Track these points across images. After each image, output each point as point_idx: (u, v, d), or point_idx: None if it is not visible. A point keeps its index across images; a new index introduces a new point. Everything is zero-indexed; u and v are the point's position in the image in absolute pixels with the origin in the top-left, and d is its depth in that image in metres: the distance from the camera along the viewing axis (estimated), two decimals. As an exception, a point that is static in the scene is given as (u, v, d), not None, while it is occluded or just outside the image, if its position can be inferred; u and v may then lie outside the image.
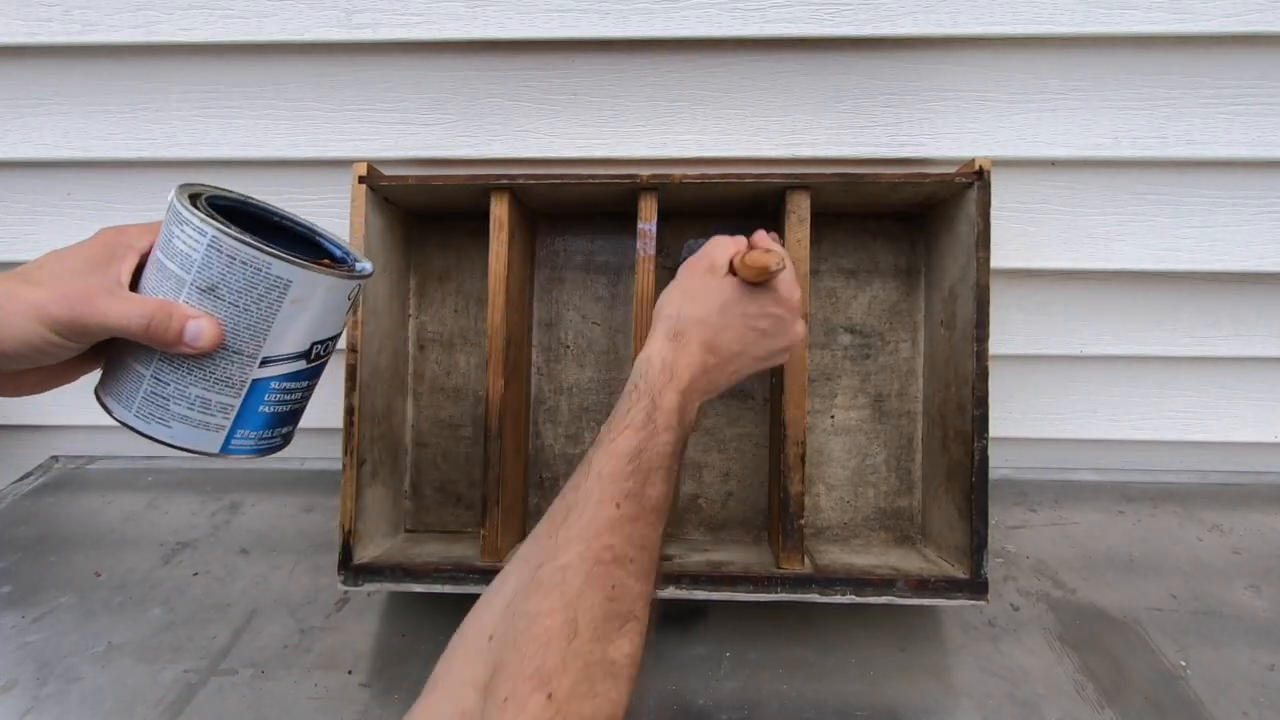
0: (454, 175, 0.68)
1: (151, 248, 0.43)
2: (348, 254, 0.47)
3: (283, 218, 0.46)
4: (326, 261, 0.44)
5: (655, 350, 0.50)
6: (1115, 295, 0.82)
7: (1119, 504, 0.85)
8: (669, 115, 0.76)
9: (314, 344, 0.43)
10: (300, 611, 0.69)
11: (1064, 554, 0.76)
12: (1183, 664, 0.62)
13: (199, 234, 0.39)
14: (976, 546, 0.62)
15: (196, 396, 0.42)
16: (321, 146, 0.78)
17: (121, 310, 0.40)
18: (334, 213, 0.82)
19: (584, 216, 0.77)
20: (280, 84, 0.77)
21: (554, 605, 0.38)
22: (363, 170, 0.67)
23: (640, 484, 0.44)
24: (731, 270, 0.54)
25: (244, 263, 0.39)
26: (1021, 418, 0.87)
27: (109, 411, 0.43)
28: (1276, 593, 0.71)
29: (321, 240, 0.47)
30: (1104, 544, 0.78)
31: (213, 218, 0.40)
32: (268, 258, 0.39)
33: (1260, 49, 0.72)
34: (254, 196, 0.45)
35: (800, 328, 0.56)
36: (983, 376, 0.62)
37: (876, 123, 0.76)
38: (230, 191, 0.44)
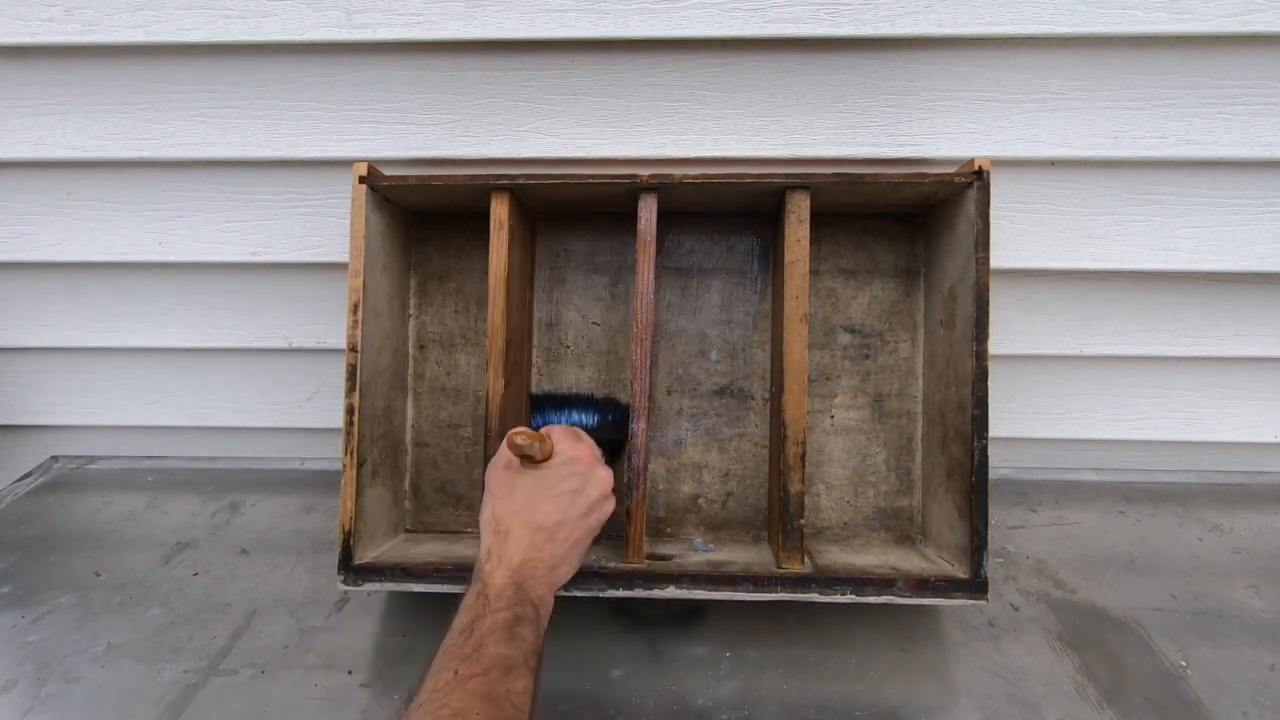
0: (454, 175, 0.69)
1: None
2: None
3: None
4: None
5: (484, 548, 0.56)
6: (1115, 295, 0.82)
7: (1119, 504, 0.85)
8: (669, 115, 0.76)
9: None
10: (300, 611, 0.69)
11: (1064, 554, 0.76)
12: (1183, 664, 0.62)
13: None
14: (976, 546, 0.62)
15: None
16: (321, 146, 0.78)
17: None
18: (334, 213, 0.82)
19: (584, 217, 0.77)
20: (280, 84, 0.77)
21: None
22: (363, 170, 0.67)
23: (475, 648, 0.47)
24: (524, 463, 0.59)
25: None
26: (1021, 418, 0.87)
27: None
28: (1276, 593, 0.71)
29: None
30: (1104, 544, 0.78)
31: None
32: None
33: (1260, 49, 0.72)
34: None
35: (604, 473, 0.60)
36: (982, 376, 0.62)
37: (876, 123, 0.76)
38: None
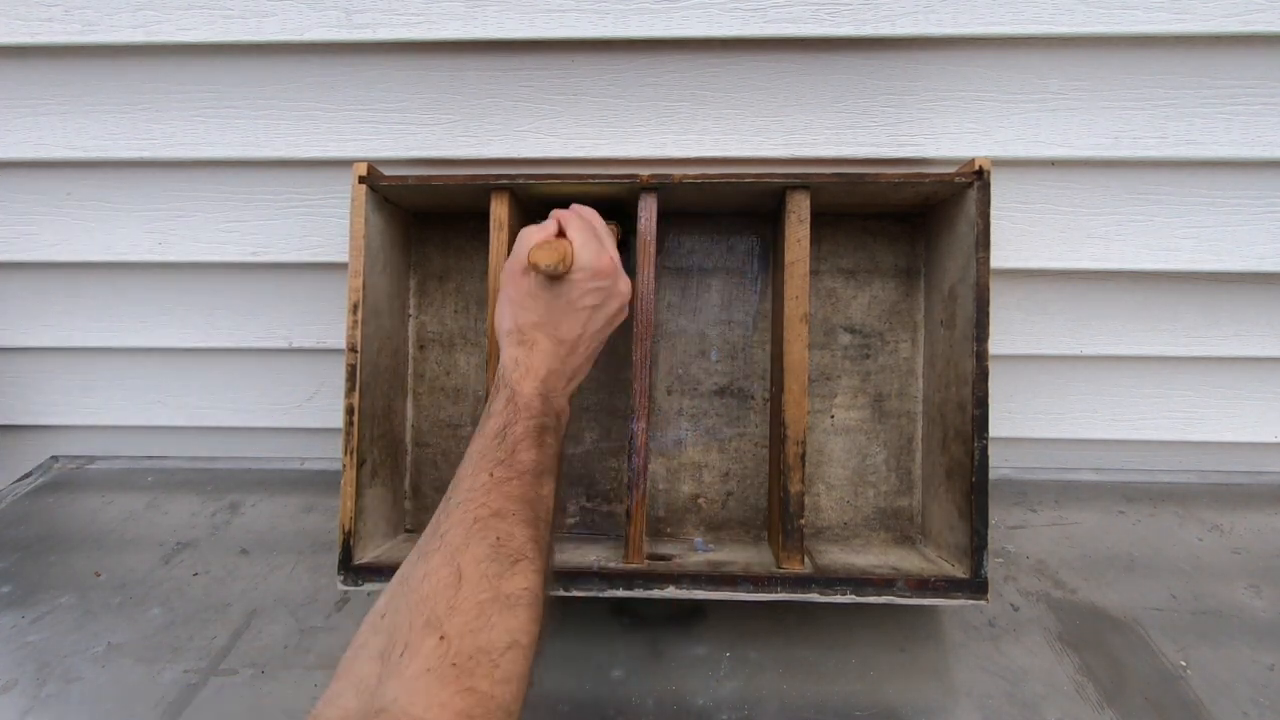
0: (454, 175, 0.68)
1: None
2: None
3: None
4: None
5: (509, 356, 0.56)
6: (1115, 295, 0.82)
7: (1119, 504, 0.85)
8: (669, 115, 0.76)
9: None
10: (300, 612, 0.69)
11: (1064, 554, 0.76)
12: (1183, 664, 0.62)
13: None
14: (976, 546, 0.62)
15: None
16: (321, 146, 0.78)
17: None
18: (334, 213, 0.82)
19: (584, 216, 0.76)
20: (280, 84, 0.77)
21: (437, 564, 0.41)
22: (363, 170, 0.67)
23: (509, 453, 0.49)
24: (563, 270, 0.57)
25: None
26: (1021, 418, 0.87)
27: None
28: (1276, 593, 0.71)
29: None
30: (1104, 544, 0.78)
31: None
32: None
33: (1260, 49, 0.72)
34: None
35: (624, 284, 0.60)
36: (983, 376, 0.62)
37: (876, 123, 0.76)
38: None
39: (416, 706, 0.34)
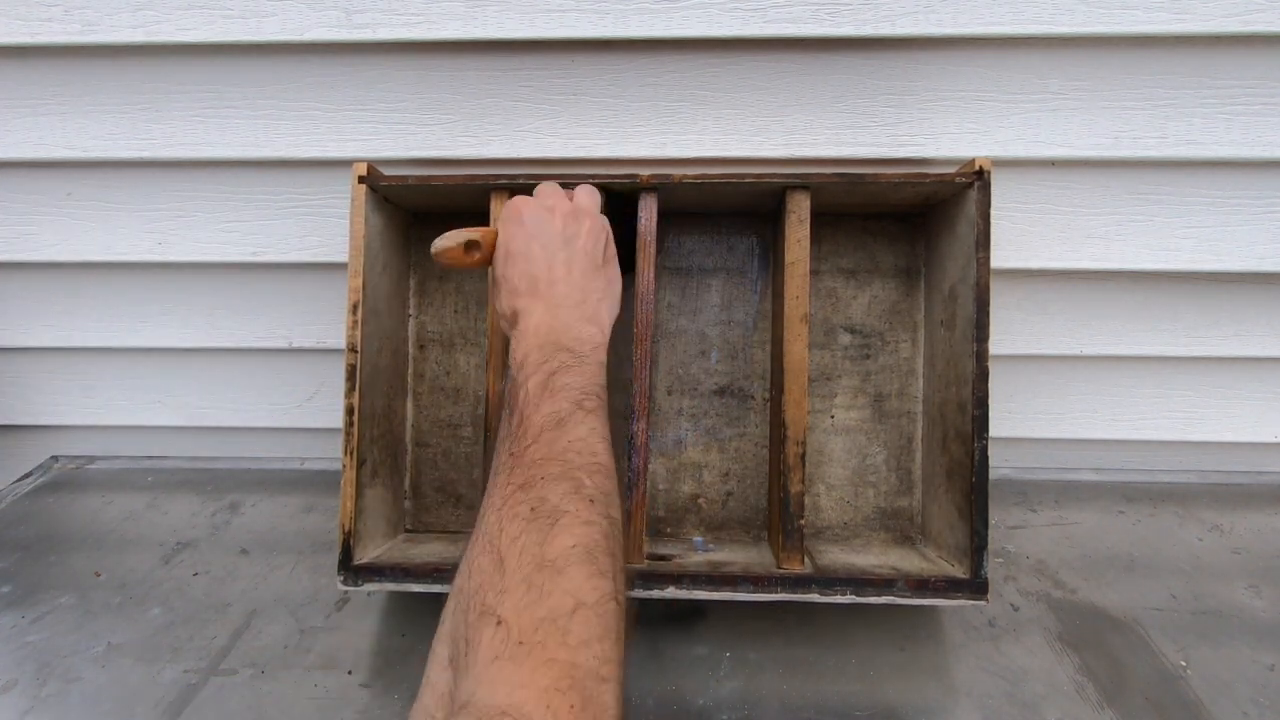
0: (454, 175, 0.69)
1: None
2: None
3: None
4: None
5: (510, 342, 0.53)
6: (1115, 295, 0.82)
7: (1119, 504, 0.85)
8: (669, 115, 0.76)
9: None
10: (300, 611, 0.69)
11: (1064, 554, 0.76)
12: (1183, 664, 0.62)
13: None
14: (976, 546, 0.62)
15: None
16: (321, 146, 0.78)
17: None
18: (334, 213, 0.82)
19: (584, 216, 0.76)
20: (280, 84, 0.77)
21: (478, 554, 0.38)
22: (363, 170, 0.67)
23: (519, 424, 0.45)
24: (478, 257, 0.57)
25: None
26: (1021, 418, 0.87)
27: None
28: (1276, 593, 0.71)
29: None
30: (1104, 544, 0.78)
31: None
32: None
33: (1260, 49, 0.72)
34: None
35: (587, 207, 0.58)
36: (983, 376, 0.62)
37: (876, 123, 0.76)
38: None
39: (498, 695, 0.31)
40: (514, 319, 0.53)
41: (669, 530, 0.75)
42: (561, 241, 0.55)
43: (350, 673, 0.62)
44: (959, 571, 0.63)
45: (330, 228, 0.82)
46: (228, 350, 0.89)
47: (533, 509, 0.39)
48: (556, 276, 0.53)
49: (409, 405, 0.77)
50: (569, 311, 0.52)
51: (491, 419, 0.66)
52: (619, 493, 0.44)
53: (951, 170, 0.66)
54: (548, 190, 0.58)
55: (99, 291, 0.88)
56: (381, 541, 0.70)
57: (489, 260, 0.57)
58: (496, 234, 0.57)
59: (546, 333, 0.51)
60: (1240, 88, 0.73)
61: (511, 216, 0.56)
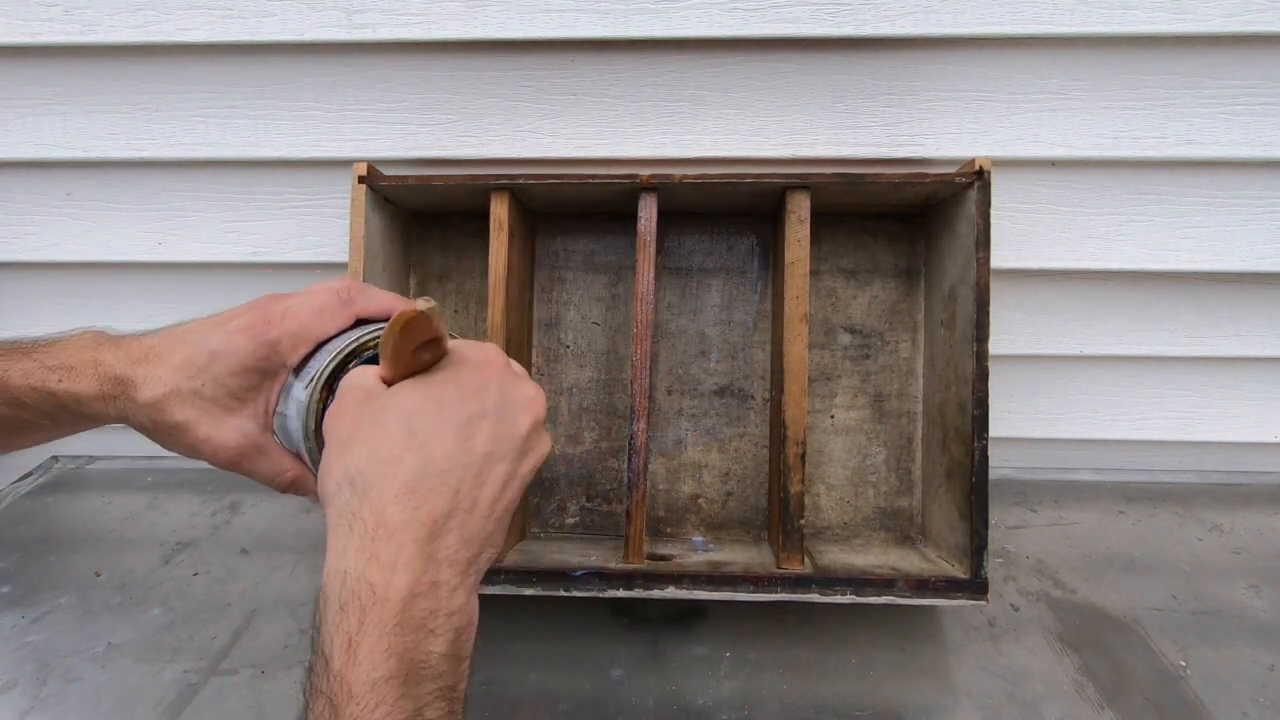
0: (454, 175, 0.68)
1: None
2: None
3: None
4: None
5: (333, 565, 0.33)
6: (1115, 295, 0.82)
7: (1119, 504, 0.85)
8: (669, 115, 0.76)
9: None
10: (300, 611, 0.69)
11: (1064, 554, 0.76)
12: (1183, 664, 0.62)
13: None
14: (977, 546, 0.62)
15: None
16: (321, 146, 0.78)
17: (267, 474, 0.47)
18: (334, 213, 0.82)
19: (584, 216, 0.76)
20: (280, 84, 0.77)
21: None
22: (363, 170, 0.67)
23: None
24: (395, 373, 0.38)
25: None
26: (1021, 418, 0.87)
27: None
28: (1276, 593, 0.71)
29: None
30: (1104, 544, 0.78)
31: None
32: None
33: (1260, 49, 0.72)
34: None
35: (530, 388, 0.41)
36: (983, 376, 0.62)
37: (876, 123, 0.76)
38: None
39: None
40: (351, 508, 0.35)
41: (669, 530, 0.76)
42: (492, 421, 0.38)
43: (350, 673, 0.62)
44: (959, 571, 0.63)
45: (330, 228, 0.82)
46: (228, 350, 0.89)
47: None
48: (481, 467, 0.37)
49: (409, 405, 0.77)
50: (475, 533, 0.36)
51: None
52: None
53: (951, 170, 0.66)
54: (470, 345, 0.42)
55: (99, 291, 0.88)
56: (381, 541, 0.70)
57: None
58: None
59: (416, 605, 0.32)
60: (1240, 88, 0.73)
61: (459, 349, 0.41)
